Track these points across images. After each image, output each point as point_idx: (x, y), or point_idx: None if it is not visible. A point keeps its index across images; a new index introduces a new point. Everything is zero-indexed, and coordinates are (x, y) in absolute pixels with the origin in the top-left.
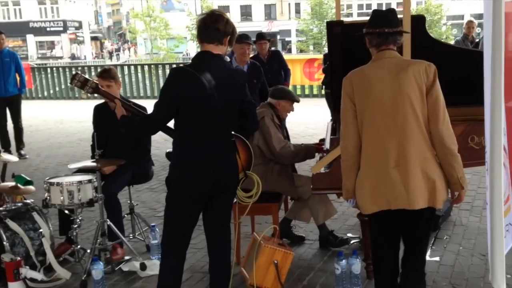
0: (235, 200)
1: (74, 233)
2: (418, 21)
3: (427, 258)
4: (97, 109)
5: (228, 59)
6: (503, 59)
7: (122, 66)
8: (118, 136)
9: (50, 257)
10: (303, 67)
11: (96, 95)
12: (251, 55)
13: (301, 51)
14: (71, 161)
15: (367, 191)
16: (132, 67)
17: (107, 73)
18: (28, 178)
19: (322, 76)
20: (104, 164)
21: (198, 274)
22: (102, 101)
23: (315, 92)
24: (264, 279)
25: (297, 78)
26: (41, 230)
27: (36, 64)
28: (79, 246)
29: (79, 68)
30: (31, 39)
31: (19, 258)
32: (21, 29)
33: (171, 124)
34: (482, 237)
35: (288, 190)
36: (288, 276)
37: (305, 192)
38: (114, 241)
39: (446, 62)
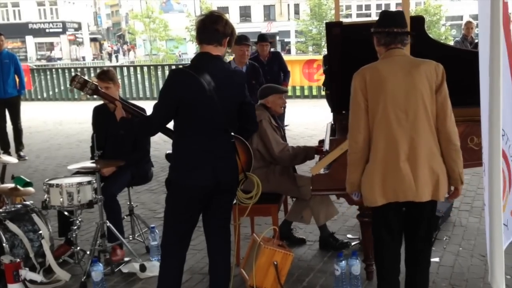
0: (235, 201)
1: (74, 235)
2: (417, 21)
3: None
4: (96, 110)
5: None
6: (501, 59)
7: (121, 67)
8: (117, 138)
9: (50, 258)
10: (302, 68)
11: (95, 96)
12: (250, 56)
13: (302, 52)
14: (71, 162)
15: (376, 183)
16: (131, 68)
17: (105, 75)
18: (28, 180)
19: (322, 77)
20: (103, 165)
21: (198, 275)
22: (101, 102)
23: (314, 93)
24: (264, 280)
25: (296, 79)
26: (40, 232)
27: (35, 66)
28: (78, 248)
29: (78, 70)
30: (30, 40)
31: (18, 260)
32: (20, 30)
33: (170, 125)
34: (482, 238)
35: (290, 190)
36: (288, 277)
37: (307, 192)
38: (113, 243)
39: (445, 63)
